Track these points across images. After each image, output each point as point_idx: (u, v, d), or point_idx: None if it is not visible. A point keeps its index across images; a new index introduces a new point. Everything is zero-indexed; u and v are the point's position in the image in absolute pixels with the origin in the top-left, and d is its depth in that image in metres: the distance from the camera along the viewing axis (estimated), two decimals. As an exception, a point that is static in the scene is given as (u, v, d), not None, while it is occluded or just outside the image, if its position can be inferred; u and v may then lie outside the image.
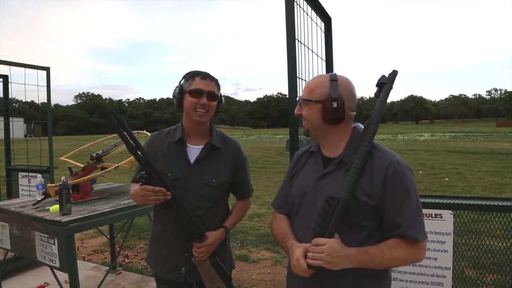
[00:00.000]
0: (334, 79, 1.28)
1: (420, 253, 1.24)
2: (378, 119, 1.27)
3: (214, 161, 1.73)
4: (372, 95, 1.49)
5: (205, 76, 1.66)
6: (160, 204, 1.57)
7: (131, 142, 1.50)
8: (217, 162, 1.73)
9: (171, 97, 1.76)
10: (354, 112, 1.33)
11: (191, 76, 1.68)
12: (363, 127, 1.33)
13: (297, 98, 1.39)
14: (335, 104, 1.24)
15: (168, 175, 1.66)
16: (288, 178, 1.48)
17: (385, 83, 1.29)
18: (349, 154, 1.27)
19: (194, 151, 1.72)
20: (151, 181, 1.53)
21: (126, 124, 1.47)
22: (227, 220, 1.78)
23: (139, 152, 1.53)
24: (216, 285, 1.68)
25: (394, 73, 1.29)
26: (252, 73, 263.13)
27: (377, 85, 1.30)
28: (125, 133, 1.48)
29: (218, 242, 1.69)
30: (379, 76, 1.30)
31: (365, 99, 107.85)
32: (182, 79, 1.71)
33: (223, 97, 1.77)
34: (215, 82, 1.70)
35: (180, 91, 1.68)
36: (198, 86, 1.64)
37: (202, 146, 1.72)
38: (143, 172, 1.54)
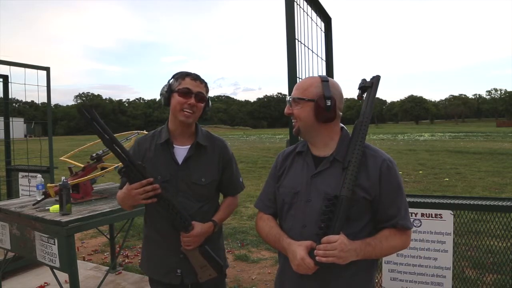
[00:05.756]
0: (325, 80, 1.35)
1: (409, 239, 1.36)
2: (368, 120, 1.34)
3: (202, 160, 1.73)
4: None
5: (195, 77, 1.68)
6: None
7: (105, 135, 1.42)
8: (205, 161, 1.74)
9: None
10: (341, 113, 1.40)
11: (181, 76, 1.68)
12: (345, 127, 1.41)
13: (287, 98, 1.41)
14: (328, 103, 1.30)
15: (158, 177, 1.64)
16: (272, 179, 1.49)
17: (369, 87, 1.36)
18: (342, 153, 1.33)
19: (181, 151, 1.72)
20: (130, 174, 1.49)
21: (99, 117, 1.41)
22: (216, 215, 1.77)
23: (115, 146, 1.45)
24: (208, 273, 1.70)
25: (377, 78, 1.37)
26: (251, 73, 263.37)
27: (359, 88, 1.38)
28: (98, 127, 1.40)
29: (205, 233, 1.68)
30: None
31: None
32: (171, 78, 1.71)
33: (210, 101, 1.77)
34: (205, 84, 1.72)
35: (169, 90, 1.67)
36: (188, 86, 1.64)
37: (189, 146, 1.72)
38: (122, 166, 1.49)
